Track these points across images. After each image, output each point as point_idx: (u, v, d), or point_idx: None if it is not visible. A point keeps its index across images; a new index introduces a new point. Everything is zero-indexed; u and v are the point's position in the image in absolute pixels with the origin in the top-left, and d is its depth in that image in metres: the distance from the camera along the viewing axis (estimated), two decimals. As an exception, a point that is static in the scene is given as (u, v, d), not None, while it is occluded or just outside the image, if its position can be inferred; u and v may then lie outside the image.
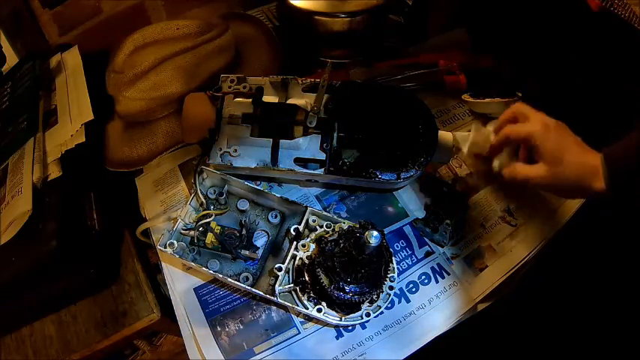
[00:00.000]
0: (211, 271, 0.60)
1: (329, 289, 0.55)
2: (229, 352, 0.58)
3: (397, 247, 0.65)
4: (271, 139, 0.62)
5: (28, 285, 0.59)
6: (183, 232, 0.62)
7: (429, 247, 0.66)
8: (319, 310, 0.57)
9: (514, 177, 0.53)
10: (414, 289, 0.63)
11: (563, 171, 0.49)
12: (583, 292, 0.77)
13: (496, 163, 0.57)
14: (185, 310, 0.61)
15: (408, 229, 0.67)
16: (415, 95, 0.64)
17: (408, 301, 0.62)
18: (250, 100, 0.64)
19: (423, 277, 0.63)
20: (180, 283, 0.63)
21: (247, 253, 0.61)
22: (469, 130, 0.61)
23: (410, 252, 0.65)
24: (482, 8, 0.83)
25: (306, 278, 0.58)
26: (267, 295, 0.58)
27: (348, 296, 0.55)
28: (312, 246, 0.61)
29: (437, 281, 0.63)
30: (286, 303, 0.58)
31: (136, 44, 0.69)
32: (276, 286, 0.58)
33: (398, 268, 0.62)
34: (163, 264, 0.65)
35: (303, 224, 0.62)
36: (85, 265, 0.63)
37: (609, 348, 0.72)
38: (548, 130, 0.50)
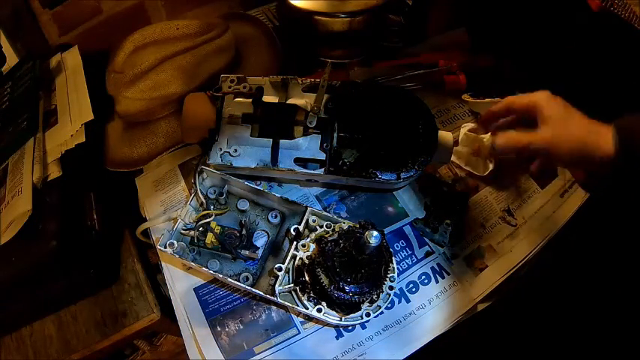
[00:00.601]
0: (211, 271, 0.60)
1: (329, 289, 0.55)
2: (229, 352, 0.58)
3: (397, 247, 0.65)
4: (271, 139, 0.62)
5: (28, 285, 0.59)
6: (183, 232, 0.62)
7: (429, 247, 0.66)
8: (319, 310, 0.57)
9: (510, 145, 0.50)
10: (414, 289, 0.63)
11: (567, 132, 0.47)
12: (583, 292, 0.77)
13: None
14: (185, 310, 0.61)
15: (408, 229, 0.67)
16: (415, 95, 0.64)
17: (408, 301, 0.62)
18: (250, 100, 0.64)
19: (423, 277, 0.63)
20: (180, 283, 0.63)
21: (247, 253, 0.61)
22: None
23: (410, 252, 0.65)
24: (482, 8, 0.83)
25: (306, 278, 0.58)
26: (267, 295, 0.58)
27: (348, 296, 0.55)
28: (312, 246, 0.60)
29: (437, 281, 0.63)
30: (286, 303, 0.58)
31: (136, 44, 0.69)
32: (276, 286, 0.58)
33: (398, 268, 0.62)
34: (163, 264, 0.65)
35: (303, 224, 0.62)
36: (85, 264, 0.63)
37: (610, 347, 0.72)
38: (553, 98, 0.49)
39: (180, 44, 0.68)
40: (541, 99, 0.50)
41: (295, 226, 0.62)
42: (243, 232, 0.63)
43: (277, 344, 0.58)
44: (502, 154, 0.53)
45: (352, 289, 0.55)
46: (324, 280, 0.55)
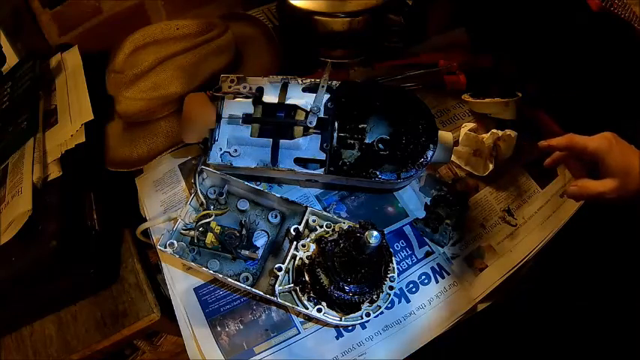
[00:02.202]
0: (211, 271, 0.60)
1: (329, 289, 0.55)
2: (229, 352, 0.58)
3: (397, 247, 0.65)
4: (271, 139, 0.62)
5: (28, 285, 0.59)
6: (183, 232, 0.62)
7: (429, 247, 0.66)
8: (319, 310, 0.57)
9: (583, 194, 0.53)
10: (414, 289, 0.63)
11: (632, 181, 0.49)
12: (583, 292, 0.77)
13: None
14: (185, 310, 0.61)
15: (408, 229, 0.67)
16: (415, 95, 0.64)
17: (408, 301, 0.62)
18: (250, 100, 0.64)
19: (423, 277, 0.63)
20: (180, 283, 0.63)
21: (247, 253, 0.61)
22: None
23: (410, 252, 0.65)
24: (482, 8, 0.83)
25: (306, 278, 0.58)
26: (267, 295, 0.58)
27: (348, 296, 0.55)
28: (312, 246, 0.60)
29: (437, 281, 0.63)
30: (286, 303, 0.58)
31: (136, 44, 0.69)
32: (276, 286, 0.58)
33: (398, 268, 0.62)
34: (163, 264, 0.65)
35: (303, 224, 0.62)
36: (85, 265, 0.63)
37: (610, 348, 0.72)
38: (612, 144, 0.51)
39: (180, 44, 0.68)
40: (602, 148, 0.51)
41: (295, 226, 0.62)
42: (243, 232, 0.63)
43: (277, 344, 0.58)
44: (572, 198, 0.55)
45: (352, 289, 0.55)
46: (324, 280, 0.55)
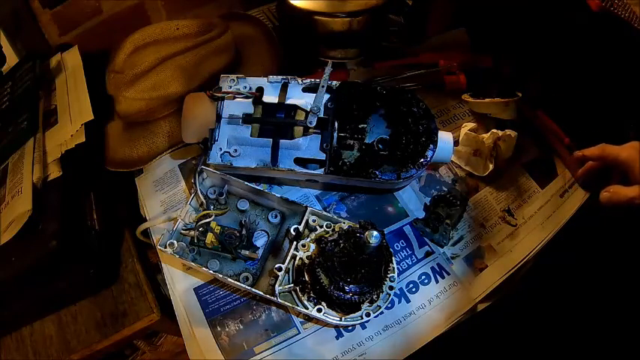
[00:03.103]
0: (211, 271, 0.60)
1: (329, 289, 0.55)
2: (229, 352, 0.58)
3: (397, 247, 0.65)
4: (271, 139, 0.62)
5: (28, 285, 0.59)
6: (183, 232, 0.62)
7: (429, 247, 0.66)
8: (319, 310, 0.57)
9: (614, 199, 0.54)
10: (414, 289, 0.63)
11: None
12: (584, 292, 0.77)
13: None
14: (185, 310, 0.61)
15: (408, 229, 0.67)
16: (415, 95, 0.64)
17: (408, 301, 0.62)
18: (250, 100, 0.64)
19: (423, 277, 0.64)
20: (180, 283, 0.63)
21: (247, 253, 0.61)
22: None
23: (410, 252, 0.65)
24: (482, 8, 0.83)
25: (306, 278, 0.58)
26: (267, 295, 0.58)
27: (348, 296, 0.55)
28: (312, 246, 0.60)
29: (437, 281, 0.63)
30: (286, 303, 0.58)
31: (136, 44, 0.69)
32: (276, 286, 0.58)
33: (398, 268, 0.62)
34: (163, 264, 0.65)
35: (303, 224, 0.62)
36: (85, 265, 0.63)
37: (610, 349, 0.72)
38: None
39: (180, 44, 0.68)
40: (632, 157, 0.53)
41: (295, 226, 0.62)
42: (243, 232, 0.63)
43: (277, 344, 0.58)
44: (605, 206, 0.56)
45: (352, 289, 0.55)
46: (324, 280, 0.55)
